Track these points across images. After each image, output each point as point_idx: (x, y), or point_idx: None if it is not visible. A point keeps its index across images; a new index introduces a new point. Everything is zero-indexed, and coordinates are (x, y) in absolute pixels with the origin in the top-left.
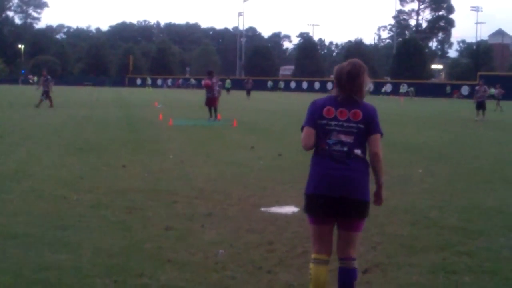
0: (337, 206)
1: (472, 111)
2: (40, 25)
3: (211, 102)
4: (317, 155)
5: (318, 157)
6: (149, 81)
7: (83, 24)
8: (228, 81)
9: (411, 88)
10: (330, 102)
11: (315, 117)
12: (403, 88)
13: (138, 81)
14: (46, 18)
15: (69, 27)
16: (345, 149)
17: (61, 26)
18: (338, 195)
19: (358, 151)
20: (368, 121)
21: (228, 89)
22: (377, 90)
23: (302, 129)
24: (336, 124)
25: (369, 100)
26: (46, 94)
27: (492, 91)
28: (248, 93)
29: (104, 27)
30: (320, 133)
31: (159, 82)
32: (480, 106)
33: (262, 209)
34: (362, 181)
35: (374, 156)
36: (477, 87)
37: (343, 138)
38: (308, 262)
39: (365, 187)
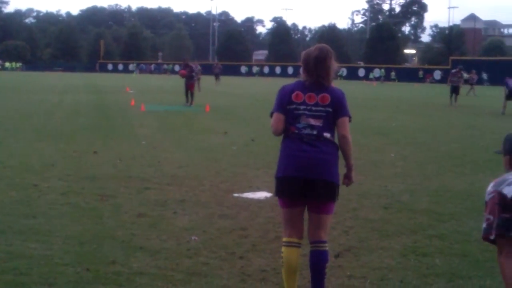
0: (307, 188)
1: (445, 96)
2: (9, 9)
3: (188, 87)
4: (287, 138)
5: (288, 141)
6: (134, 67)
7: (53, 8)
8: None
9: (382, 70)
10: (298, 87)
11: (284, 102)
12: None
13: (110, 67)
14: (15, 2)
15: (38, 11)
16: (315, 132)
17: (30, 10)
18: (308, 176)
19: (327, 134)
20: (336, 105)
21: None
22: (350, 75)
23: (271, 115)
24: (305, 108)
25: (342, 85)
26: None
27: (466, 76)
28: (217, 77)
29: (75, 11)
30: (289, 117)
31: (130, 67)
32: (454, 90)
33: (235, 194)
34: (332, 164)
35: (342, 138)
36: (453, 70)
37: (312, 121)
38: (281, 247)
39: (335, 170)
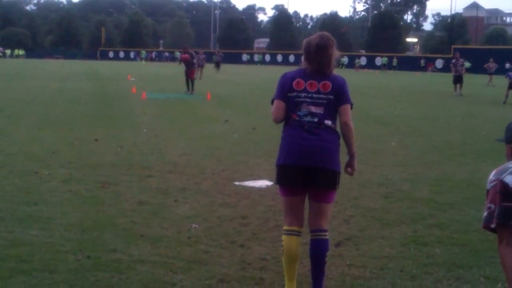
0: (308, 176)
1: (447, 85)
2: None
3: (188, 74)
4: (288, 126)
5: (289, 128)
6: (143, 54)
7: None
8: (215, 57)
9: (384, 59)
10: (299, 74)
11: (285, 90)
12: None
13: (111, 54)
14: None
15: None
16: (316, 119)
17: None
18: (309, 164)
19: (328, 122)
20: (337, 92)
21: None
22: (351, 63)
23: (272, 102)
24: (306, 96)
25: (344, 73)
26: None
27: (468, 64)
28: (218, 65)
29: None
30: (290, 105)
31: (131, 55)
32: (458, 80)
33: (236, 183)
34: (333, 152)
35: (344, 125)
36: (454, 61)
37: (313, 109)
38: (281, 236)
39: (336, 158)
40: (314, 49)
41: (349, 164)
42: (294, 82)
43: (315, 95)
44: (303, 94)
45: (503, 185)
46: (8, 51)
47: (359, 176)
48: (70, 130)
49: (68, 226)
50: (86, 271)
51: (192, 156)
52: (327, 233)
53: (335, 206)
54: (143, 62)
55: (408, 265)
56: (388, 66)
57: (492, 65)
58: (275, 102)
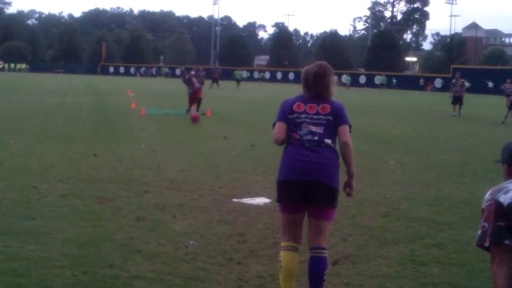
0: (307, 192)
1: (445, 104)
2: (11, 10)
3: (195, 95)
4: (289, 144)
5: (290, 146)
6: (165, 70)
7: (55, 10)
8: (238, 72)
9: (382, 78)
10: (299, 99)
11: (286, 113)
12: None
13: (111, 69)
14: (17, 3)
15: (40, 13)
16: (316, 138)
17: (32, 12)
18: (309, 179)
19: (328, 141)
20: (335, 114)
21: (238, 81)
22: (352, 81)
23: (273, 125)
24: (306, 117)
25: (344, 92)
26: None
27: (467, 84)
28: (215, 81)
29: (77, 14)
30: (291, 126)
31: (132, 70)
32: (457, 100)
33: (234, 200)
34: (332, 169)
35: (344, 145)
36: (454, 81)
37: (313, 128)
38: (279, 254)
39: (335, 175)
40: (312, 78)
41: (348, 184)
42: (295, 106)
43: (315, 116)
44: (303, 115)
45: (498, 204)
46: (6, 65)
47: (357, 195)
48: (69, 144)
49: (65, 241)
50: (83, 286)
51: (190, 172)
52: (326, 251)
53: (332, 223)
54: (162, 78)
55: (405, 284)
56: (387, 85)
57: (509, 85)
58: (277, 124)
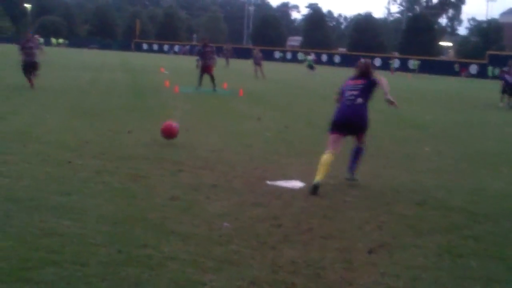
0: (348, 127)
1: (480, 91)
2: None
3: (206, 70)
4: (339, 102)
5: (340, 103)
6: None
7: None
8: (309, 57)
9: (415, 62)
10: (350, 78)
11: (342, 86)
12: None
13: (145, 46)
14: None
15: None
16: (352, 98)
17: None
18: (349, 121)
19: (360, 100)
20: (367, 83)
21: (311, 66)
22: (384, 65)
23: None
24: (349, 86)
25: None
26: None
27: None
28: (227, 61)
29: None
30: (343, 93)
31: (165, 48)
32: (508, 89)
33: (268, 182)
34: (363, 116)
35: (378, 81)
36: (506, 68)
37: (352, 92)
38: (314, 240)
39: (365, 119)
40: (359, 69)
41: (387, 102)
42: (347, 81)
43: (353, 85)
44: (348, 86)
45: None
46: (42, 39)
47: (392, 181)
48: (103, 120)
49: (100, 218)
50: (117, 265)
51: (223, 153)
52: (363, 146)
53: (367, 211)
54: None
55: (442, 277)
56: (420, 70)
57: None
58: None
